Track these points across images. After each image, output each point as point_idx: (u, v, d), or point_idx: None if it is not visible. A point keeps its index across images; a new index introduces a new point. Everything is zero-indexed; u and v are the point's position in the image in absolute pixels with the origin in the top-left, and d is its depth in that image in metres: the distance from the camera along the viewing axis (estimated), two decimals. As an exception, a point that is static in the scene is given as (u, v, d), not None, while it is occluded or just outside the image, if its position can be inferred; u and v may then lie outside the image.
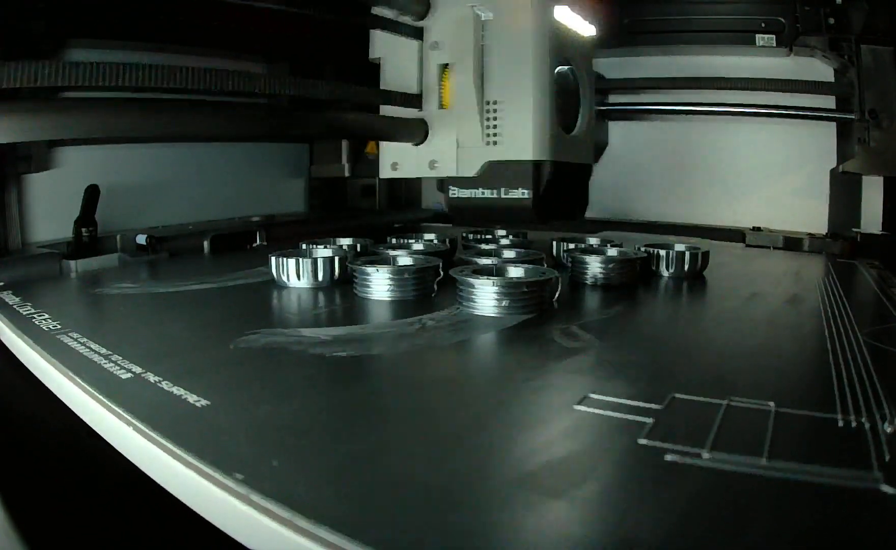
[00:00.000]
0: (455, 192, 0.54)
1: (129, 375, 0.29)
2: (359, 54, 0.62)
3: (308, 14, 0.57)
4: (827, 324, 0.39)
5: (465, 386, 0.29)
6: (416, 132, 0.55)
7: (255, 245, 0.74)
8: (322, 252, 0.52)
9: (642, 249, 0.55)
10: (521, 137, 0.51)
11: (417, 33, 0.55)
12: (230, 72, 0.42)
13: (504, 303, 0.39)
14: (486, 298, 0.40)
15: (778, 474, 0.20)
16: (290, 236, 0.69)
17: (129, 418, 0.24)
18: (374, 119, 0.56)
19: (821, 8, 0.78)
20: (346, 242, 0.60)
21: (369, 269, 0.43)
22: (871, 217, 0.78)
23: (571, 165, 0.55)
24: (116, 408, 0.25)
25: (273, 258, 0.48)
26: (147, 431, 0.23)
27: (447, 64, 0.54)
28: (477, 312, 0.40)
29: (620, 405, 0.26)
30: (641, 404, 0.26)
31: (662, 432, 0.23)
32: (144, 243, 0.66)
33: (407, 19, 0.54)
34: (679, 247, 0.55)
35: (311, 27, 0.80)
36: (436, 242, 0.63)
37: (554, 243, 0.60)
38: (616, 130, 0.95)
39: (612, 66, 0.89)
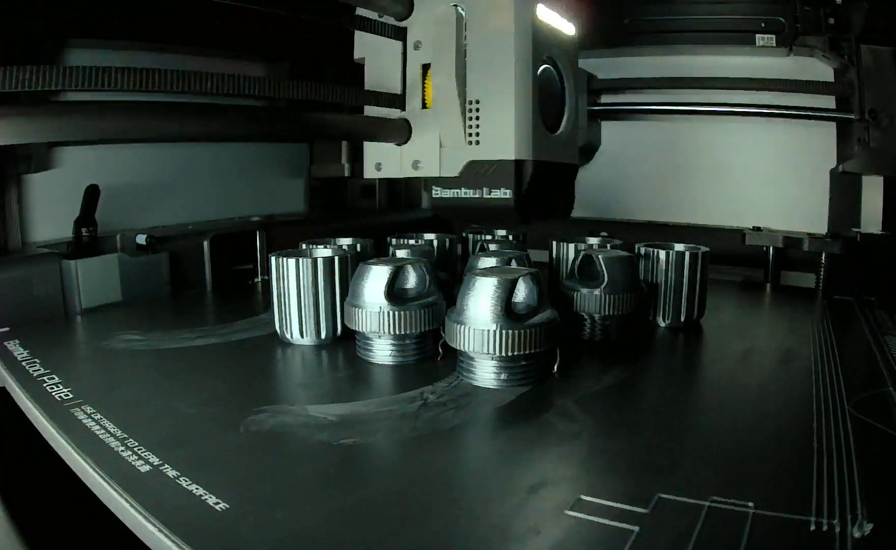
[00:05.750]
0: (438, 192, 0.54)
1: (147, 467, 0.30)
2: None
3: (289, 15, 0.56)
4: (816, 391, 0.40)
5: (464, 486, 0.30)
6: (400, 132, 0.54)
7: (256, 281, 0.75)
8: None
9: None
10: (503, 136, 0.50)
11: (400, 34, 0.54)
12: (210, 74, 0.42)
13: (503, 376, 0.40)
14: (485, 371, 0.40)
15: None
16: (290, 237, 0.69)
17: (154, 522, 0.26)
18: (357, 119, 0.56)
19: (821, 8, 0.77)
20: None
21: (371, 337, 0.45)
22: (871, 217, 0.78)
23: (555, 165, 0.54)
24: (141, 510, 0.26)
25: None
26: (174, 538, 0.25)
27: (429, 63, 0.53)
28: (477, 383, 0.41)
29: (610, 510, 0.27)
30: (629, 507, 0.27)
31: (646, 542, 0.25)
32: (144, 243, 0.66)
33: (389, 20, 0.54)
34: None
35: (310, 28, 0.80)
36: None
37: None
38: (615, 130, 0.95)
39: (612, 66, 0.89)
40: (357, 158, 0.94)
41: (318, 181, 1.00)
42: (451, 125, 0.52)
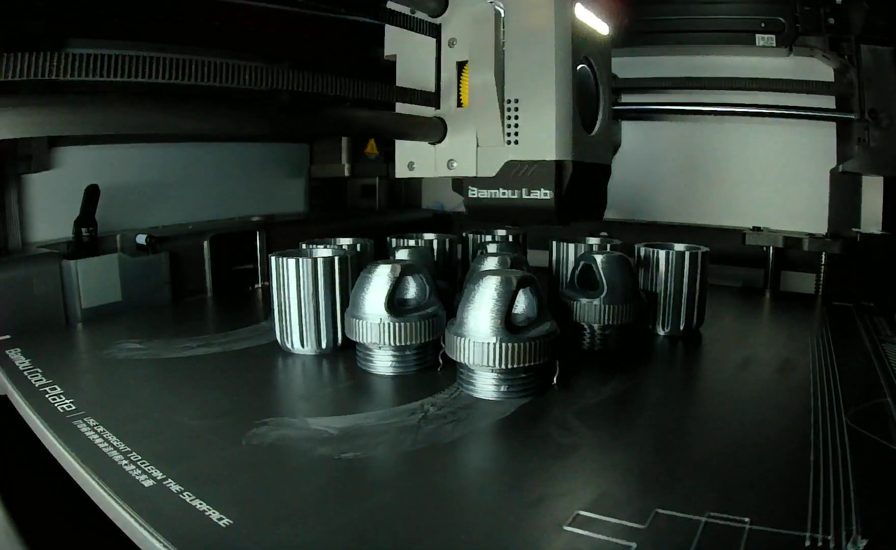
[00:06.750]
0: (474, 192, 0.53)
1: (151, 482, 0.30)
2: (358, 54, 0.62)
3: (322, 12, 0.55)
4: (813, 402, 0.40)
5: (464, 501, 0.30)
6: (434, 131, 0.53)
7: (256, 287, 0.75)
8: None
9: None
10: (543, 136, 0.49)
11: (433, 30, 0.53)
12: (243, 65, 0.41)
13: (503, 388, 0.40)
14: (485, 382, 0.40)
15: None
16: (290, 237, 0.69)
17: (160, 538, 0.26)
18: (391, 117, 0.54)
19: (821, 8, 0.77)
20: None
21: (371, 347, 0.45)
22: (871, 217, 0.79)
23: (592, 166, 0.54)
24: (147, 526, 0.27)
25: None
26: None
27: (465, 61, 0.52)
28: (477, 395, 0.41)
29: (607, 526, 0.27)
30: (627, 522, 0.27)
31: (642, 558, 0.25)
32: (144, 243, 0.66)
33: (422, 16, 0.53)
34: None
35: (311, 26, 0.80)
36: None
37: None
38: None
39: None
40: (357, 158, 0.94)
41: (318, 181, 1.00)
42: (489, 124, 0.51)
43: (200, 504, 0.28)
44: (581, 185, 0.52)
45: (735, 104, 0.82)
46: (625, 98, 0.90)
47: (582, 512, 0.28)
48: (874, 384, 0.44)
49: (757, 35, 0.80)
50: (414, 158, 0.56)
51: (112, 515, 0.29)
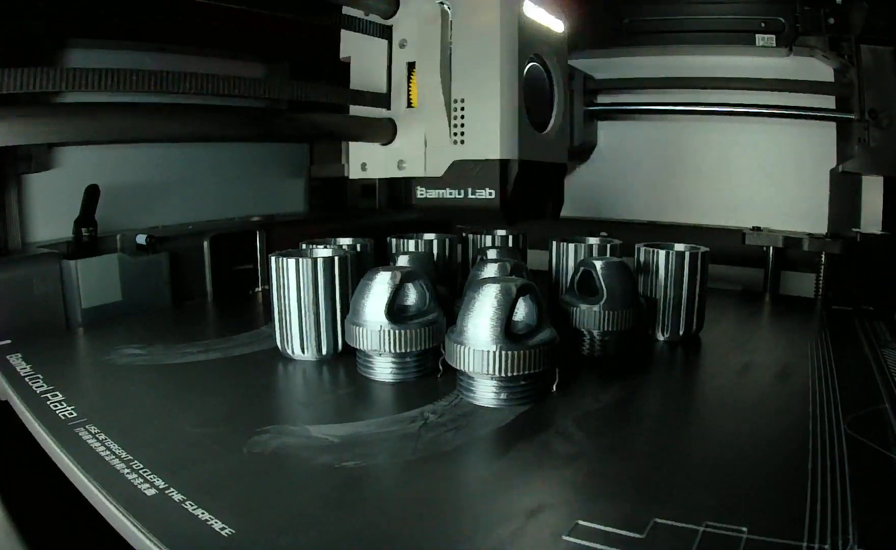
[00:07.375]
0: (422, 192, 0.54)
1: (153, 491, 0.30)
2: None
3: (277, 14, 0.55)
4: (812, 409, 0.41)
5: (464, 510, 0.30)
6: (385, 132, 0.54)
7: (256, 291, 0.75)
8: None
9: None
10: (488, 135, 0.50)
11: (385, 32, 0.54)
12: (199, 74, 0.42)
13: (503, 396, 0.40)
14: (485, 390, 0.40)
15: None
16: (290, 237, 0.69)
17: (162, 547, 0.26)
18: (342, 119, 0.55)
19: (821, 8, 0.77)
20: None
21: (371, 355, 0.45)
22: (871, 217, 0.79)
23: (542, 165, 0.54)
24: (151, 537, 0.27)
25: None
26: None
27: (414, 62, 0.53)
28: (477, 402, 0.41)
29: (606, 536, 0.27)
30: (626, 532, 0.27)
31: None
32: (144, 243, 0.66)
33: (375, 18, 0.53)
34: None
35: (309, 28, 0.79)
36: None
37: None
38: (616, 130, 0.95)
39: (612, 67, 0.89)
40: (357, 157, 0.94)
41: (318, 181, 1.00)
42: (437, 124, 0.51)
43: (203, 513, 0.28)
44: (530, 184, 0.52)
45: (735, 104, 0.82)
46: (625, 98, 0.90)
47: (581, 522, 0.28)
48: (873, 390, 0.44)
49: (757, 35, 0.80)
50: (366, 159, 0.56)
51: (115, 524, 0.29)
